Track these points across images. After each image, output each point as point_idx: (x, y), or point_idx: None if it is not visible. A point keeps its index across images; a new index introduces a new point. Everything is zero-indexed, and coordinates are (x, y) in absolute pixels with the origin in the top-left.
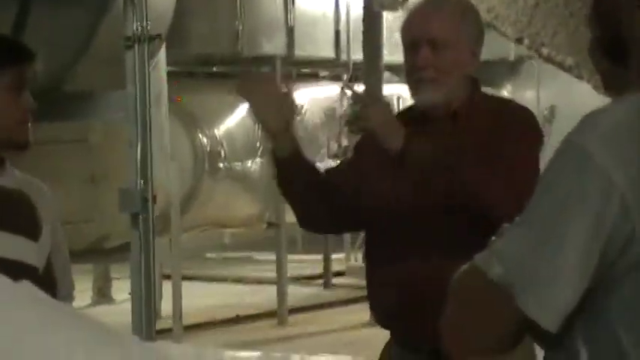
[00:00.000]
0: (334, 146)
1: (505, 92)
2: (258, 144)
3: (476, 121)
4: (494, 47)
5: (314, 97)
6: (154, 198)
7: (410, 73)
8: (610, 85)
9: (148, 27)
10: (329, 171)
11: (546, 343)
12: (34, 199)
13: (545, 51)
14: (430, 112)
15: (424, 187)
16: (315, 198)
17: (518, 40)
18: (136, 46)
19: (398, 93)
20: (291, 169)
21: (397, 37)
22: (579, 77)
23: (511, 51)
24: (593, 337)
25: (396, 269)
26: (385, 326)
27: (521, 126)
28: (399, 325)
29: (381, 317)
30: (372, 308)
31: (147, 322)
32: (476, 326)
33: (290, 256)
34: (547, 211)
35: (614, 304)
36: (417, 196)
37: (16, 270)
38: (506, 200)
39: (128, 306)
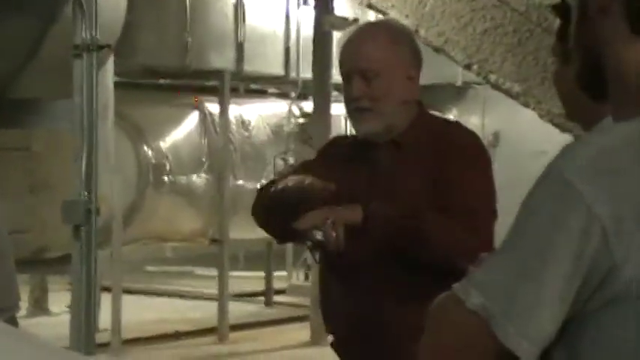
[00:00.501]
0: (280, 164)
1: (451, 116)
2: (203, 158)
3: (420, 146)
4: (442, 72)
5: (262, 114)
6: (98, 210)
7: (347, 104)
8: (576, 114)
9: (98, 36)
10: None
11: None
12: None
13: (493, 78)
14: (373, 139)
15: (386, 247)
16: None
17: (467, 66)
18: (85, 55)
19: (345, 112)
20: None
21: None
22: (525, 105)
23: (458, 76)
24: None
25: (344, 296)
26: (336, 349)
27: (469, 153)
28: (348, 350)
29: (334, 340)
30: (327, 324)
31: (86, 336)
32: (453, 356)
33: (232, 273)
34: (527, 241)
35: (590, 333)
36: (377, 253)
37: None
38: (471, 247)
39: (65, 318)
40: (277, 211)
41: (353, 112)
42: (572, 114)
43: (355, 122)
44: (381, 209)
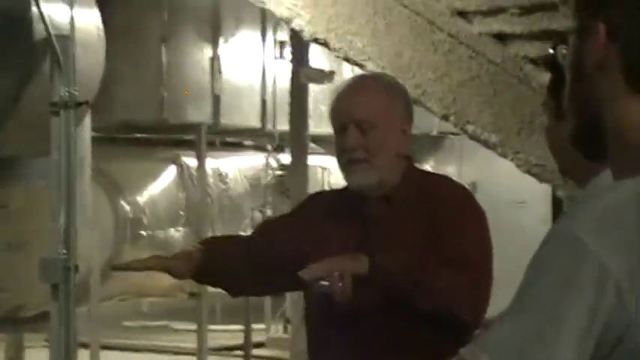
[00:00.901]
0: (258, 216)
1: (428, 167)
2: (181, 212)
3: (412, 202)
4: (418, 122)
5: (239, 167)
6: (76, 268)
7: (340, 156)
8: (573, 171)
9: (76, 93)
10: (260, 230)
11: None
12: None
13: (470, 128)
14: (364, 193)
15: (388, 298)
16: (242, 272)
17: (445, 117)
18: (62, 112)
19: (323, 164)
20: (208, 276)
21: (323, 109)
22: (503, 155)
23: (434, 126)
24: None
25: (343, 345)
26: None
27: (464, 208)
28: None
29: None
30: None
31: None
32: None
33: (210, 327)
34: (538, 302)
35: None
36: (378, 303)
37: None
38: (472, 299)
39: None
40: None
41: (347, 164)
42: (566, 170)
43: (348, 174)
44: (387, 260)
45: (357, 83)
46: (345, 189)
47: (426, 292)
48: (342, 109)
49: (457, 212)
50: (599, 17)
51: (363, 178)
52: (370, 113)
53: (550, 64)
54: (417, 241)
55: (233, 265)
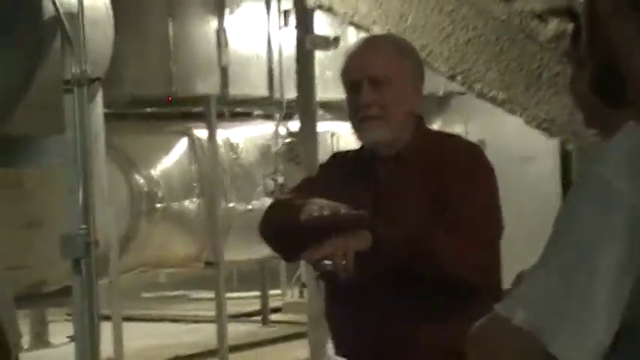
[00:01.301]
0: (270, 184)
1: (435, 127)
2: (194, 184)
3: (423, 161)
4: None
5: (248, 136)
6: (97, 242)
7: (354, 114)
8: (594, 121)
9: (88, 70)
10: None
11: None
12: None
13: (477, 87)
14: (378, 151)
15: (394, 268)
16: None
17: (452, 77)
18: (75, 89)
19: (331, 130)
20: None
21: (329, 75)
22: (512, 112)
23: (440, 86)
24: None
25: (353, 316)
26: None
27: (475, 168)
28: None
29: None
30: (335, 350)
31: None
32: None
33: (227, 294)
34: (572, 249)
35: None
36: (385, 274)
37: None
38: (480, 262)
39: (66, 349)
40: (302, 235)
41: (361, 121)
42: (590, 120)
43: (363, 131)
44: (389, 234)
45: (369, 42)
46: (359, 150)
47: (433, 260)
48: (355, 66)
49: (467, 172)
50: None
51: (378, 134)
52: (384, 69)
53: (569, 13)
54: (428, 199)
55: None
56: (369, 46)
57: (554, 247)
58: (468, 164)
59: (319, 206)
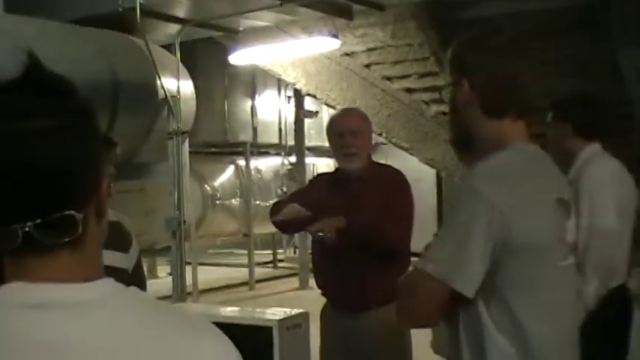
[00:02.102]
0: (279, 191)
1: None
2: (237, 190)
3: (373, 179)
4: None
5: (267, 165)
6: (184, 222)
7: (339, 151)
8: (462, 159)
9: (180, 126)
10: (290, 199)
11: (463, 306)
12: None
13: (394, 140)
14: (349, 172)
15: (358, 240)
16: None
17: (380, 134)
18: (174, 137)
19: (313, 162)
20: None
21: (312, 132)
22: (412, 154)
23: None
24: (488, 298)
25: (333, 265)
26: (325, 294)
27: (403, 184)
28: (333, 295)
29: (323, 289)
30: (319, 284)
31: (180, 290)
32: (418, 306)
33: (255, 252)
34: (457, 227)
35: (501, 272)
36: (352, 243)
37: (112, 271)
38: (405, 238)
39: (166, 280)
40: (290, 222)
41: (345, 155)
42: (460, 159)
43: (345, 161)
44: (356, 220)
45: (347, 111)
46: (334, 172)
47: (379, 238)
48: (340, 124)
49: (399, 185)
50: (464, 76)
51: (355, 164)
52: (358, 126)
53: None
54: (376, 200)
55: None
56: (348, 113)
57: (446, 227)
58: (399, 181)
59: (291, 209)
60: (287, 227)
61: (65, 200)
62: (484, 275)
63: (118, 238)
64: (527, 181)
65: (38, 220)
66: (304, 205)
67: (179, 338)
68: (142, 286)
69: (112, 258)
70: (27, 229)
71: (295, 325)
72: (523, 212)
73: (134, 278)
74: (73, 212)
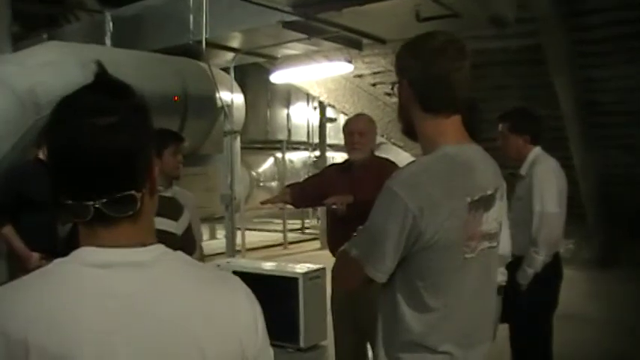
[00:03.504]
0: (306, 176)
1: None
2: (276, 176)
3: (373, 169)
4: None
5: (298, 157)
6: (235, 198)
7: (348, 145)
8: (409, 147)
9: (233, 127)
10: (303, 182)
11: (382, 287)
12: (182, 200)
13: (392, 140)
14: (355, 163)
15: (362, 211)
16: (304, 197)
17: (382, 135)
18: (228, 135)
19: (332, 155)
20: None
21: (331, 133)
22: (404, 149)
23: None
24: (402, 285)
25: (342, 230)
26: (334, 254)
27: (395, 170)
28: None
29: (333, 251)
30: (329, 246)
31: (231, 248)
32: (345, 278)
33: (288, 221)
34: (376, 222)
35: (413, 263)
36: (357, 214)
37: (165, 234)
38: None
39: (223, 241)
40: (295, 199)
41: (352, 148)
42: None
43: (352, 153)
44: (360, 197)
45: (358, 117)
46: (343, 162)
47: None
48: (352, 125)
49: (391, 171)
50: (404, 76)
51: (358, 155)
52: (365, 128)
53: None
54: (373, 183)
55: (300, 195)
56: (358, 118)
57: (369, 221)
58: (392, 169)
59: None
60: (298, 203)
61: (127, 182)
62: (396, 264)
63: (171, 210)
64: (439, 187)
65: (105, 199)
66: (314, 186)
67: (215, 289)
68: (191, 246)
69: (166, 224)
70: (97, 205)
71: (315, 277)
72: (431, 215)
73: (183, 240)
74: (133, 192)
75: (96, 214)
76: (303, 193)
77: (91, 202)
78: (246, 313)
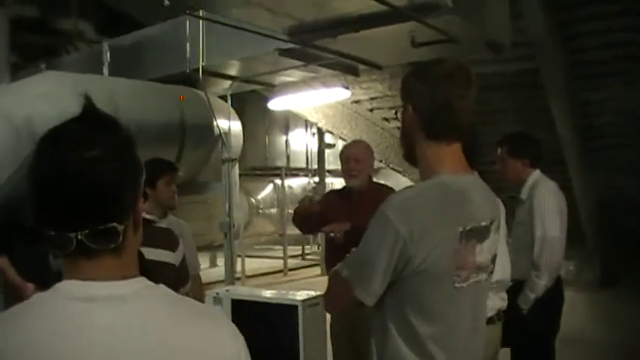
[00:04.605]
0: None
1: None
2: (275, 202)
3: (371, 195)
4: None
5: (297, 183)
6: (233, 225)
7: (345, 172)
8: (408, 172)
9: (231, 155)
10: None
11: (375, 305)
12: (178, 231)
13: (391, 165)
14: (353, 189)
15: (360, 235)
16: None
17: (380, 161)
18: (227, 163)
19: (331, 181)
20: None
21: (330, 159)
22: (403, 175)
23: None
24: (393, 313)
25: (340, 257)
26: None
27: None
28: None
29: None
30: (328, 272)
31: (230, 276)
32: (334, 298)
33: (288, 247)
34: (368, 245)
35: (401, 288)
36: (355, 241)
37: (162, 266)
38: None
39: (223, 268)
40: (304, 221)
41: (348, 175)
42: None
43: (349, 180)
44: (358, 224)
45: (354, 143)
46: (342, 189)
47: None
48: (348, 153)
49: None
50: (409, 101)
51: (356, 182)
52: (361, 155)
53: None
54: (371, 210)
55: (307, 220)
56: (353, 145)
57: (362, 242)
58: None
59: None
60: (302, 226)
61: (110, 215)
62: (384, 288)
63: (168, 241)
64: (432, 215)
65: (87, 231)
66: (317, 212)
67: (197, 324)
68: (186, 276)
69: (163, 255)
70: (80, 237)
71: (314, 304)
72: (421, 241)
73: (180, 271)
74: (115, 224)
75: (78, 246)
76: (310, 219)
77: (73, 234)
78: (230, 348)
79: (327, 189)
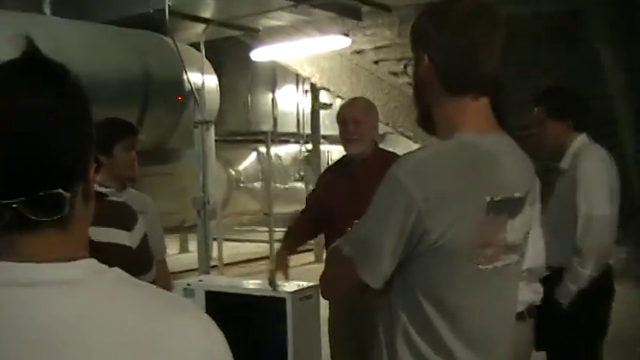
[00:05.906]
0: (296, 175)
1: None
2: (259, 175)
3: (376, 165)
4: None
5: (287, 151)
6: (208, 202)
7: (343, 137)
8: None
9: (205, 117)
10: (306, 210)
11: (380, 292)
12: (138, 206)
13: (399, 129)
14: (353, 158)
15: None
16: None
17: (387, 124)
18: (200, 126)
19: (327, 149)
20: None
21: (327, 122)
22: (414, 141)
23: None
24: (400, 290)
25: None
26: None
27: None
28: None
29: None
30: None
31: (205, 263)
32: (334, 281)
33: (275, 229)
34: (374, 216)
35: (414, 270)
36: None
37: (116, 248)
38: None
39: (195, 254)
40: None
41: (347, 141)
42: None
43: (348, 146)
44: (363, 203)
45: (352, 100)
46: (340, 160)
47: None
48: (345, 113)
49: None
50: (424, 51)
51: (356, 148)
52: (361, 115)
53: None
54: (377, 184)
55: (312, 229)
56: (352, 103)
57: (368, 213)
58: None
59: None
60: (313, 237)
61: (54, 179)
62: (394, 267)
63: (123, 218)
64: (454, 180)
65: (24, 198)
66: (317, 206)
67: (161, 315)
68: (148, 263)
69: (116, 235)
70: (14, 205)
71: (307, 296)
72: (440, 211)
73: (138, 255)
74: (60, 190)
75: (14, 218)
76: (315, 225)
77: (7, 201)
78: (200, 344)
79: (323, 158)
